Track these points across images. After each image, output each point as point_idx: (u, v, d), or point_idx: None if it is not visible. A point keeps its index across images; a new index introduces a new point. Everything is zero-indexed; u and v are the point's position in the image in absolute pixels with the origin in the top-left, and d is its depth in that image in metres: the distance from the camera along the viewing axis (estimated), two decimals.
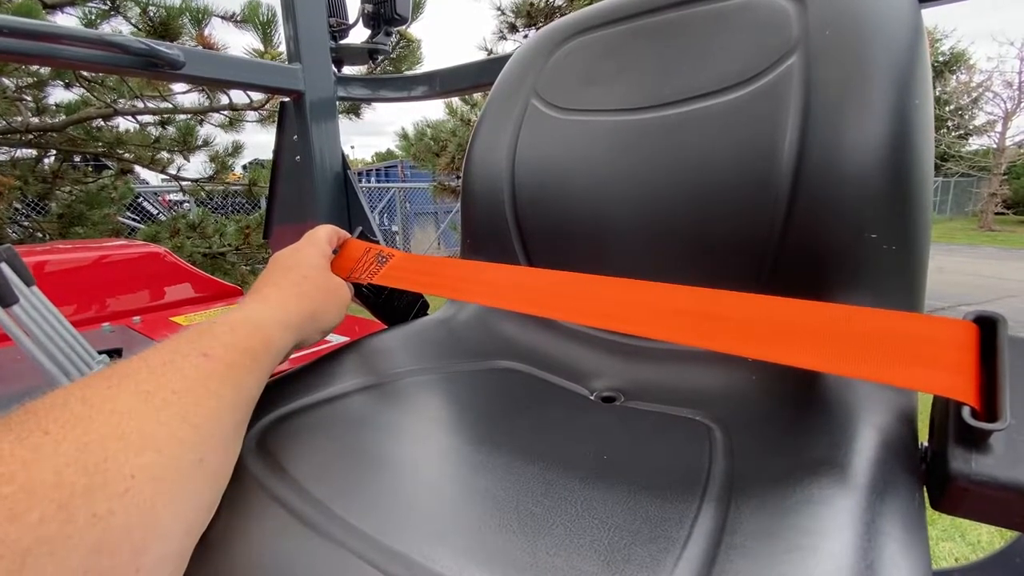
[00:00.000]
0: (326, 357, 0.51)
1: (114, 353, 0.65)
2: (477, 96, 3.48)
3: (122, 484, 0.21)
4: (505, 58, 0.68)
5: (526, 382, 0.50)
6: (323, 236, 0.50)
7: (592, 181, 0.53)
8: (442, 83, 0.91)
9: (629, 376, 0.50)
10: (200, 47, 2.17)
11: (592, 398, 0.47)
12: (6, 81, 2.26)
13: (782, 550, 0.23)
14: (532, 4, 4.39)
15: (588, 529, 0.26)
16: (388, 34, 0.87)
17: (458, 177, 4.22)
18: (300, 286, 0.43)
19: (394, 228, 7.14)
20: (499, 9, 4.50)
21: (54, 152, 2.59)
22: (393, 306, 0.58)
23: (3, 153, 2.54)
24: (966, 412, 0.25)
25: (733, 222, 0.43)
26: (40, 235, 2.53)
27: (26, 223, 2.65)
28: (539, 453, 0.35)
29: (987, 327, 0.27)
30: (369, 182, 8.86)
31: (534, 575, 0.23)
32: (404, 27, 0.89)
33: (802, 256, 0.40)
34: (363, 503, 0.28)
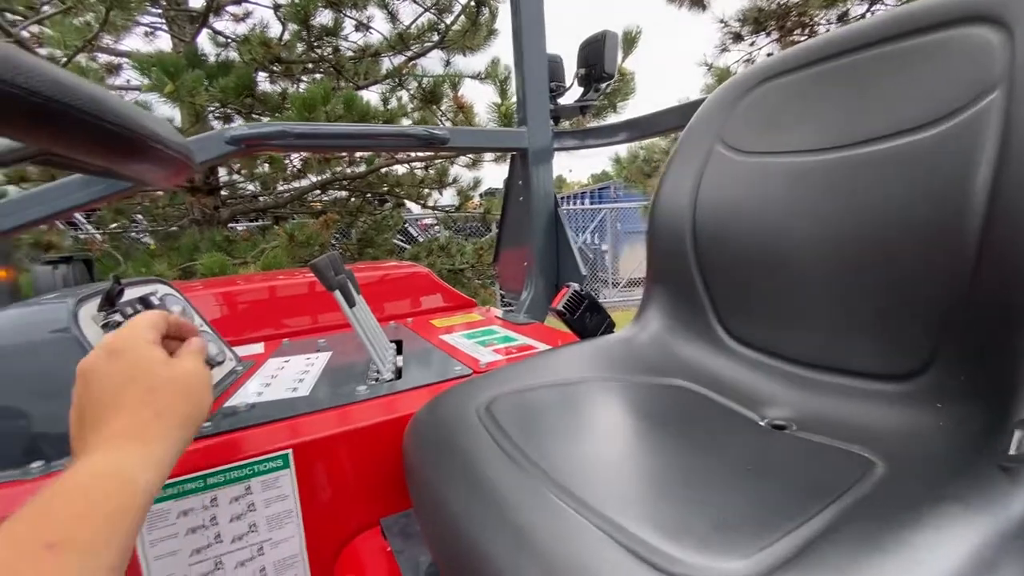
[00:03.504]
0: (535, 357, 0.67)
1: (397, 343, 0.93)
2: None
3: None
4: (696, 104, 0.75)
5: (698, 401, 0.56)
6: (147, 327, 0.42)
7: (771, 220, 0.57)
8: (641, 129, 1.01)
9: (802, 407, 0.52)
10: (456, 105, 2.71)
11: (762, 424, 0.51)
12: None
13: (877, 552, 0.27)
14: (760, 9, 4.10)
15: (718, 507, 0.34)
16: (597, 90, 1.02)
17: None
18: (154, 404, 0.37)
19: (604, 247, 7.35)
20: (722, 21, 4.32)
21: (356, 193, 3.54)
22: (584, 324, 0.71)
23: (328, 196, 3.58)
24: None
25: (916, 270, 0.43)
26: (346, 254, 3.47)
27: (336, 245, 3.66)
28: (702, 453, 0.43)
29: None
30: (583, 203, 9.31)
31: (653, 525, 0.32)
32: (611, 82, 1.03)
33: (990, 315, 0.38)
34: (554, 458, 0.42)
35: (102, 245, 2.91)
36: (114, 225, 3.33)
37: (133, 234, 3.44)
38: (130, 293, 0.64)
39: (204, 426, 0.58)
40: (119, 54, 3.01)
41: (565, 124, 1.13)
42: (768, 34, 4.34)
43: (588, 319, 0.70)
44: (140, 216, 3.35)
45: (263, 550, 0.56)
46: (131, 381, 0.37)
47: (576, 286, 0.69)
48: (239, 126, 0.72)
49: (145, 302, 0.66)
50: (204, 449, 0.55)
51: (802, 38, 4.12)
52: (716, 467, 0.41)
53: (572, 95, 1.09)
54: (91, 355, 0.39)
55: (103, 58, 3.13)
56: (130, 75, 3.10)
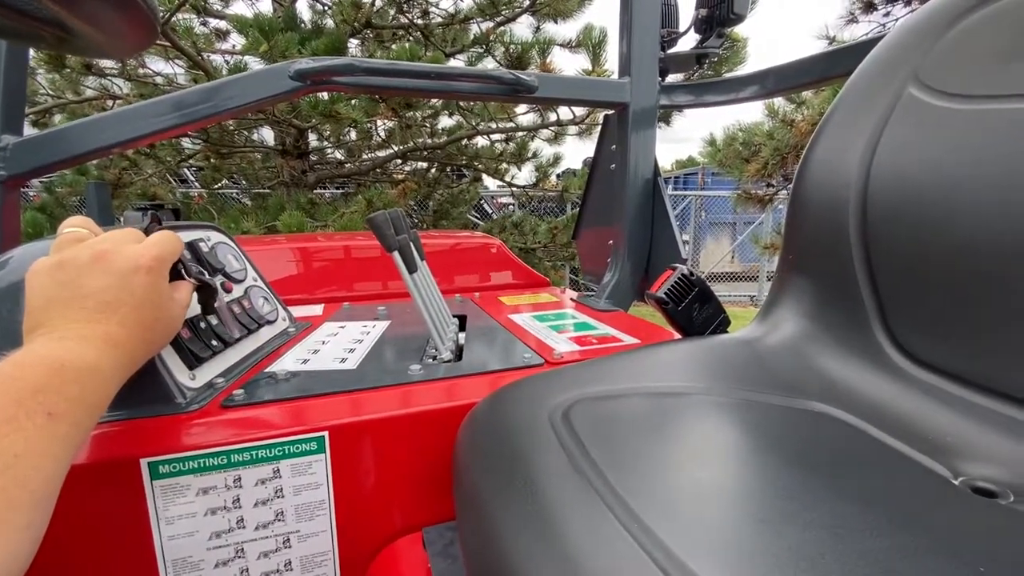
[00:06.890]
0: (622, 354, 0.54)
1: (461, 318, 0.83)
2: (807, 94, 3.02)
3: None
4: (869, 43, 0.57)
5: (851, 437, 0.41)
6: (171, 247, 0.45)
7: (1001, 195, 0.39)
8: (777, 81, 0.81)
9: (1021, 466, 0.36)
10: (543, 73, 2.56)
11: (956, 484, 0.35)
12: (417, 114, 3.16)
13: None
14: None
15: None
16: (720, 36, 0.83)
17: (768, 185, 3.77)
18: (151, 327, 0.41)
19: (684, 237, 6.93)
20: None
21: (436, 164, 3.50)
22: (691, 317, 0.56)
23: (409, 166, 3.58)
24: None
25: None
26: (421, 225, 3.47)
27: (412, 215, 3.66)
28: (857, 513, 0.28)
29: None
30: (666, 189, 8.80)
31: None
32: (736, 26, 0.84)
33: None
34: (639, 489, 0.31)
35: (201, 200, 3.10)
36: (217, 186, 3.54)
37: (234, 193, 3.65)
38: (183, 237, 0.59)
39: (236, 393, 0.51)
40: (224, 17, 3.13)
41: (671, 79, 0.95)
42: (908, 2, 3.73)
43: (696, 312, 0.56)
44: (242, 178, 3.53)
45: (290, 542, 0.49)
46: (145, 297, 0.40)
47: (684, 269, 0.55)
48: (304, 59, 0.64)
49: (193, 248, 0.60)
50: (233, 420, 0.48)
51: None
52: (878, 536, 0.27)
53: (684, 45, 0.91)
54: (40, 262, 0.39)
55: (212, 23, 3.29)
56: (236, 40, 3.24)
